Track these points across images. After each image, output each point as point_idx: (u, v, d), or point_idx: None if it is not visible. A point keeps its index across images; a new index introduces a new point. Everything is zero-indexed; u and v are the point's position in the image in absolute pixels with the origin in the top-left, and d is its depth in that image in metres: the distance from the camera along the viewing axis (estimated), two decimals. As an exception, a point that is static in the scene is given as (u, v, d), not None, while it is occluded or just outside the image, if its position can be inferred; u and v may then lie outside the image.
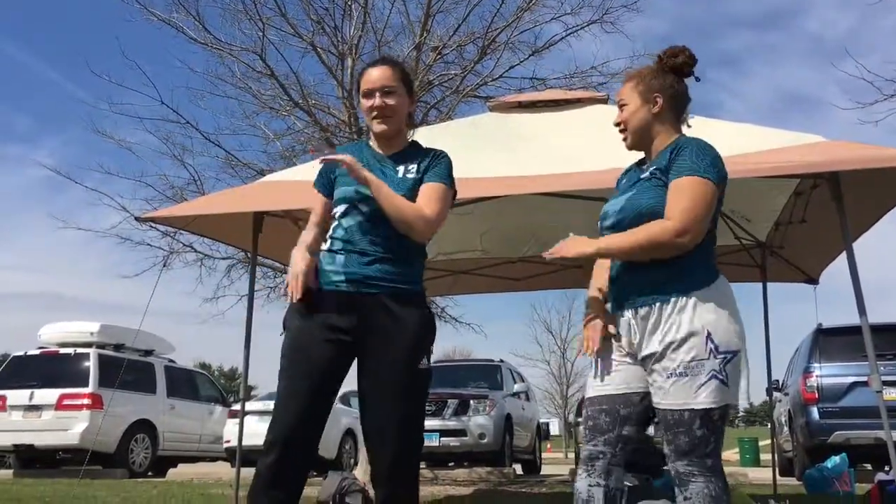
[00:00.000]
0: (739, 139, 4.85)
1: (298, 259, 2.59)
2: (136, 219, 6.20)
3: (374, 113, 2.68)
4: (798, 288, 7.45)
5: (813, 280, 7.24)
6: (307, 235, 2.73)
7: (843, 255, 4.58)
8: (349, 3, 10.24)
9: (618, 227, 2.41)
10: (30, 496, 6.87)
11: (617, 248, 2.36)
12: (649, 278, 2.35)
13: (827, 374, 9.20)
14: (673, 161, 2.37)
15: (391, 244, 2.60)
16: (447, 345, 44.96)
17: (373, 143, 2.79)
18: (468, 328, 13.34)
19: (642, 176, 2.45)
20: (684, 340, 2.28)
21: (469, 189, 4.70)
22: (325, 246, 2.69)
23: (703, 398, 2.26)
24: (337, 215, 2.69)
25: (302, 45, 10.31)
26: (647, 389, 2.39)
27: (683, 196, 2.29)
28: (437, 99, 10.76)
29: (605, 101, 5.87)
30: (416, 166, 2.68)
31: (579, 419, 11.71)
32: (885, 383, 5.19)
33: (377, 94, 2.67)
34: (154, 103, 10.47)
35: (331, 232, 2.70)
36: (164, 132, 10.83)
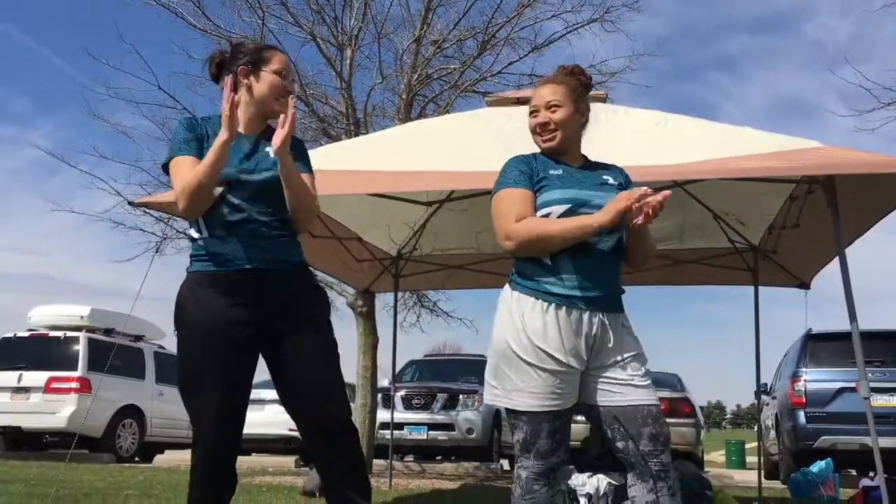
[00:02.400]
0: (736, 141, 4.86)
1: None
2: (130, 203, 6.19)
3: (285, 98, 2.66)
4: (789, 292, 7.48)
5: (805, 285, 7.26)
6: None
7: (836, 261, 4.59)
8: (350, -7, 10.21)
9: None
10: (15, 478, 6.86)
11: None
12: (619, 285, 2.55)
13: (815, 379, 9.24)
14: (627, 186, 2.63)
15: (282, 222, 2.60)
16: (438, 339, 44.94)
17: (242, 122, 2.65)
18: (460, 323, 13.37)
19: (610, 182, 2.60)
20: (640, 345, 2.55)
21: (466, 181, 4.69)
22: (202, 234, 2.58)
23: (655, 394, 2.51)
24: (217, 194, 2.56)
25: (301, 35, 10.28)
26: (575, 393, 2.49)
27: None
28: (435, 93, 10.75)
29: (603, 99, 5.87)
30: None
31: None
32: (873, 390, 5.22)
33: (289, 77, 2.73)
34: (151, 88, 10.41)
35: (207, 216, 2.57)
36: (161, 117, 10.79)
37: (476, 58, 10.54)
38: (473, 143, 5.17)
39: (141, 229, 10.58)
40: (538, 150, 2.67)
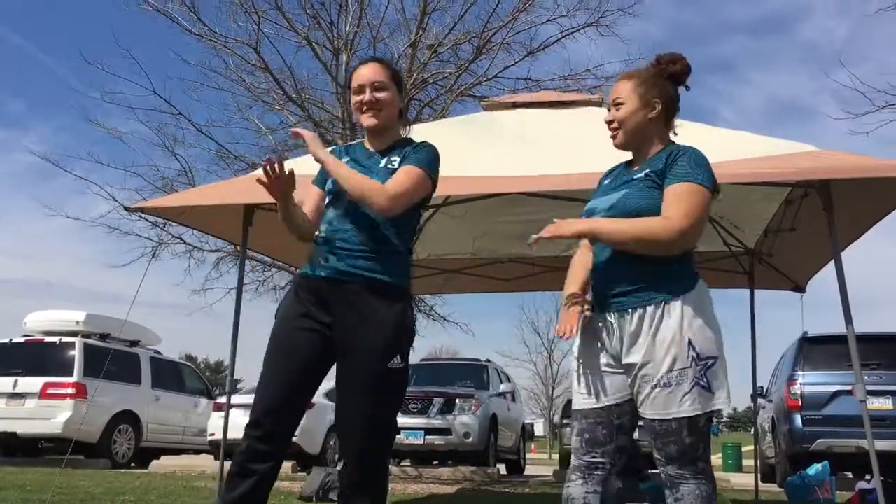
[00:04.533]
0: (732, 145, 4.86)
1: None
2: (126, 209, 6.18)
3: (365, 107, 2.72)
4: (785, 295, 7.49)
5: (800, 288, 7.27)
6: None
7: (831, 264, 4.60)
8: (345, -2, 10.22)
9: None
10: (11, 484, 6.83)
11: (615, 232, 2.36)
12: (634, 279, 2.37)
13: (811, 381, 9.23)
14: (670, 166, 2.41)
15: (368, 237, 2.62)
16: (434, 343, 45.01)
17: (367, 142, 2.82)
18: (456, 327, 13.39)
19: (636, 176, 2.45)
20: (667, 350, 2.31)
21: (461, 186, 4.70)
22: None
23: (688, 406, 2.31)
24: (323, 207, 2.77)
25: (297, 40, 10.32)
26: (632, 396, 2.43)
27: (684, 200, 2.34)
28: (431, 97, 10.79)
29: (598, 103, 5.88)
30: (399, 158, 2.70)
31: (564, 420, 11.73)
32: (869, 393, 5.23)
33: (367, 89, 2.71)
34: (147, 93, 10.50)
35: (319, 223, 2.76)
36: (156, 122, 10.86)
37: (472, 62, 10.58)
38: (470, 147, 5.18)
39: (137, 234, 10.62)
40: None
